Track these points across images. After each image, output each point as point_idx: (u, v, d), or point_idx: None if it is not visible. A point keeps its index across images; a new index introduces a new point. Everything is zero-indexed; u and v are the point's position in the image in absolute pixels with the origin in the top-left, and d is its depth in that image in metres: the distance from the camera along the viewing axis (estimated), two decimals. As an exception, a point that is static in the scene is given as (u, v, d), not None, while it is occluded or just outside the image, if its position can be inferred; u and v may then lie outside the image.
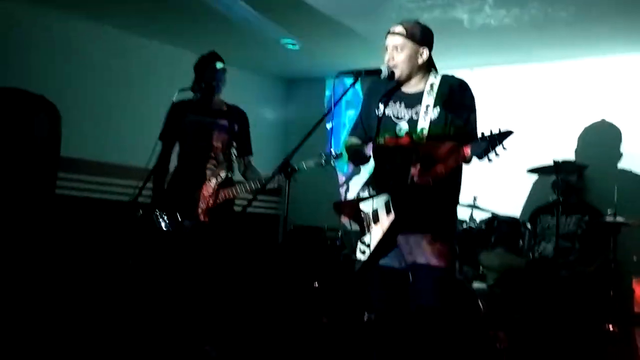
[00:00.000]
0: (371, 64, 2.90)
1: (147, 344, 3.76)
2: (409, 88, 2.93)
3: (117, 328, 3.98)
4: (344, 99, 4.64)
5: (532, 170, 4.50)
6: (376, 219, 2.82)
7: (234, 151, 4.07)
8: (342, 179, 6.69)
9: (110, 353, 3.89)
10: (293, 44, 5.56)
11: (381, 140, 2.91)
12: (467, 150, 2.58)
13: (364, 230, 2.88)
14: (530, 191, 5.37)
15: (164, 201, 3.82)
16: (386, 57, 2.89)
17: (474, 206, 5.16)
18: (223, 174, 3.88)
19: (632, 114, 5.05)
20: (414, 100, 2.89)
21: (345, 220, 2.95)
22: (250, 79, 6.59)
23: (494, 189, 5.30)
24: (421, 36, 2.88)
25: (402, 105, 2.91)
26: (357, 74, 2.82)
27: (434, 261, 2.78)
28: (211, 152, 3.91)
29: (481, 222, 4.40)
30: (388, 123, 2.90)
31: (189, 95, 3.93)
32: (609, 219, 4.22)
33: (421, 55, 2.88)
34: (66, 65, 5.04)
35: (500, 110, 5.32)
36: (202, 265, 3.80)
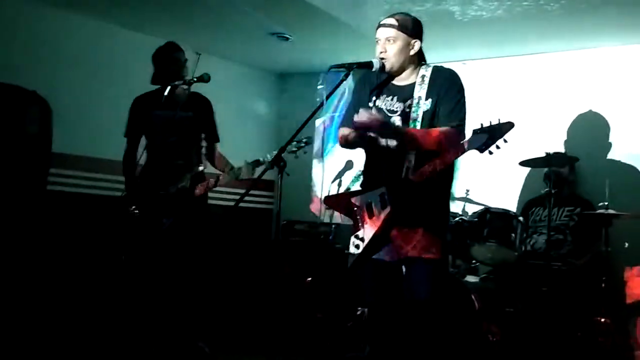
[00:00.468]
0: (362, 58, 2.88)
1: (140, 340, 3.74)
2: (401, 81, 2.93)
3: (110, 324, 3.96)
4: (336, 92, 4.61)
5: (524, 163, 4.50)
6: (371, 213, 2.81)
7: (203, 142, 4.04)
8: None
9: (104, 349, 3.88)
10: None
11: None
12: (466, 144, 2.59)
13: (357, 224, 2.87)
14: (523, 184, 5.37)
15: (138, 198, 3.76)
16: (378, 50, 2.89)
17: (466, 199, 5.17)
18: (196, 168, 3.85)
19: (623, 104, 5.06)
20: (406, 93, 2.88)
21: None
22: (240, 72, 6.55)
23: (486, 182, 5.31)
24: (412, 28, 2.88)
25: (395, 98, 2.90)
26: (348, 67, 2.80)
27: (426, 254, 2.78)
28: (181, 147, 3.86)
29: (474, 214, 4.39)
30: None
31: (150, 87, 3.89)
32: (601, 211, 4.23)
33: (412, 47, 2.88)
34: (55, 60, 4.99)
35: (492, 103, 5.32)
36: (187, 262, 3.77)
